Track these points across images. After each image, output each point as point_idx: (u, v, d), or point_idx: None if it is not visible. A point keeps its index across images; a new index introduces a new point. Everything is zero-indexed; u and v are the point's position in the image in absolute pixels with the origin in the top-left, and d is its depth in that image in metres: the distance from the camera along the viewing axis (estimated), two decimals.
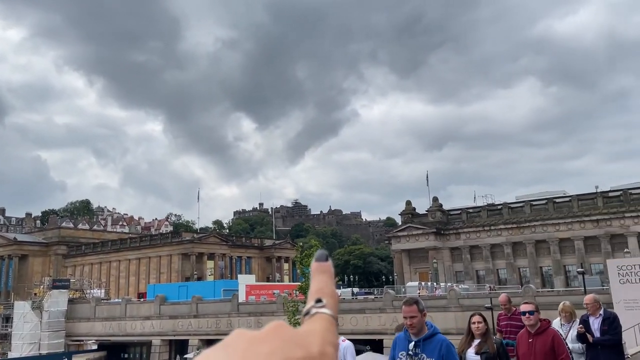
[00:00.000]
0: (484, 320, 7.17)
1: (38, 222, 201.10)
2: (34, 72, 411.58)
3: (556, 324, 9.15)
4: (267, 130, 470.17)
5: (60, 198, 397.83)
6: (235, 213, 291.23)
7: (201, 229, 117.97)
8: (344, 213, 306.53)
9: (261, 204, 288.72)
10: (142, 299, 56.61)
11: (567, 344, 8.21)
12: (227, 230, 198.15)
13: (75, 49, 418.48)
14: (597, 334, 8.66)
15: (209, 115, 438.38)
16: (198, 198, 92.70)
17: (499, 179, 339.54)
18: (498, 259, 65.90)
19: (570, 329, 9.10)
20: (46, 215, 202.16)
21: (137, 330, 49.71)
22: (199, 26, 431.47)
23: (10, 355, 51.31)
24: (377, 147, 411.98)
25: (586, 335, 8.69)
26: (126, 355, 53.27)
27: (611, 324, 8.73)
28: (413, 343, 5.01)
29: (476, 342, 7.00)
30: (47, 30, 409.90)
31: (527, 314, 6.95)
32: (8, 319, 58.31)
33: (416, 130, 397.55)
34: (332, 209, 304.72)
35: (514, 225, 64.51)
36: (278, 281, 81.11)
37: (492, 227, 65.85)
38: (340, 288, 68.62)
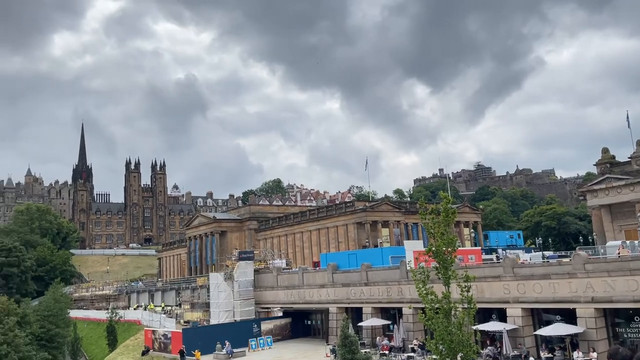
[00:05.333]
0: None
1: (240, 202, 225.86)
2: (225, 69, 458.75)
3: None
4: (441, 93, 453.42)
5: (258, 179, 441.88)
6: (415, 181, 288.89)
7: (382, 198, 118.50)
8: (534, 172, 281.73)
9: (441, 170, 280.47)
10: (317, 268, 58.12)
11: None
12: (409, 199, 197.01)
13: (256, 42, 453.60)
14: None
15: (382, 87, 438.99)
16: (366, 167, 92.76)
17: None
18: None
19: None
20: (246, 195, 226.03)
21: (314, 298, 50.97)
22: None
23: (212, 321, 56.97)
24: (569, 96, 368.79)
25: None
26: (309, 322, 55.31)
27: None
28: None
29: None
30: (231, 29, 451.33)
31: None
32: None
33: (616, 70, 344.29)
34: (520, 168, 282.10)
35: None
36: (458, 246, 76.86)
37: None
38: (531, 252, 61.96)
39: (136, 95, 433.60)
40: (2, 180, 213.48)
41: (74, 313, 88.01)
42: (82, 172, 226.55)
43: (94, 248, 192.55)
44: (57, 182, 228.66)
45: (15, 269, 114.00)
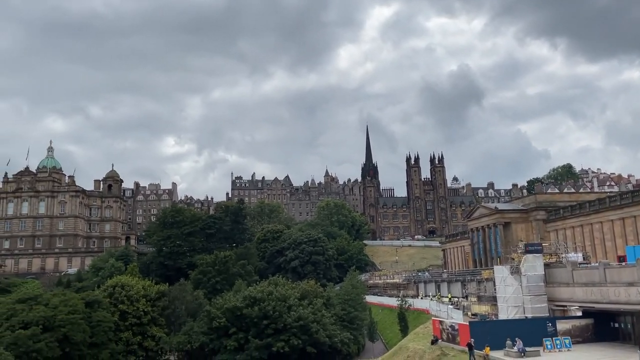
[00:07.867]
0: None
1: (524, 191, 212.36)
2: (499, 53, 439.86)
3: None
4: None
5: (544, 166, 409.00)
6: None
7: None
8: None
9: None
10: (622, 263, 49.77)
11: None
12: None
13: (532, 18, 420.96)
14: None
15: None
16: None
17: None
18: None
19: None
20: (531, 184, 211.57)
21: (621, 297, 43.70)
22: None
23: (500, 316, 54.65)
24: None
25: None
26: (615, 325, 47.90)
27: None
28: None
29: None
30: (503, 10, 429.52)
31: None
32: None
33: None
34: None
35: None
36: None
37: None
38: None
39: (412, 92, 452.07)
40: (307, 181, 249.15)
41: (369, 298, 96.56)
42: (369, 170, 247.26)
43: (383, 239, 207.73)
44: (349, 180, 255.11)
45: (320, 257, 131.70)
